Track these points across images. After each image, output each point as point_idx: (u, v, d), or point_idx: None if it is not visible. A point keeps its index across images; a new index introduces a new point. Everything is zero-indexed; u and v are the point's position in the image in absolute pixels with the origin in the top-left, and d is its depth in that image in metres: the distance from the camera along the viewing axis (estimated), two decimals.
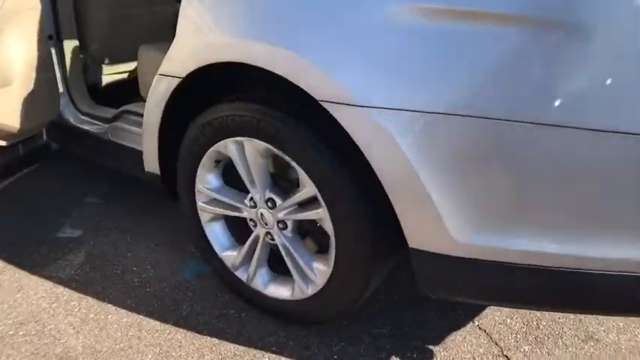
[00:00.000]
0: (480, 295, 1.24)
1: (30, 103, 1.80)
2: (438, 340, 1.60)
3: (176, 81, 1.43)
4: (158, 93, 1.51)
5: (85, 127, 2.11)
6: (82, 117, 2.13)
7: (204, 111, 1.45)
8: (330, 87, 1.13)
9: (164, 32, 2.56)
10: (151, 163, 1.68)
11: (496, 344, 1.59)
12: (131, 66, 2.46)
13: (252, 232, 1.57)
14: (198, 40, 1.40)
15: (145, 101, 2.11)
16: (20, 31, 1.74)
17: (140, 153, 1.76)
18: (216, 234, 1.64)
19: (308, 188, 1.31)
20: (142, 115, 1.84)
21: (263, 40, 1.22)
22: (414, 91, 1.06)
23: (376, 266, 1.34)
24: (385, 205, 1.21)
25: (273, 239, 1.51)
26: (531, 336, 1.62)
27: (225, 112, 1.36)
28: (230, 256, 1.62)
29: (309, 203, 1.36)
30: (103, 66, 2.37)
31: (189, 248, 1.96)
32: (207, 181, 1.55)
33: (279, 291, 1.55)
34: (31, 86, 1.80)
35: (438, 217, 1.10)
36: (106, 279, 1.80)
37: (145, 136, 1.65)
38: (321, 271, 1.40)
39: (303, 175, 1.30)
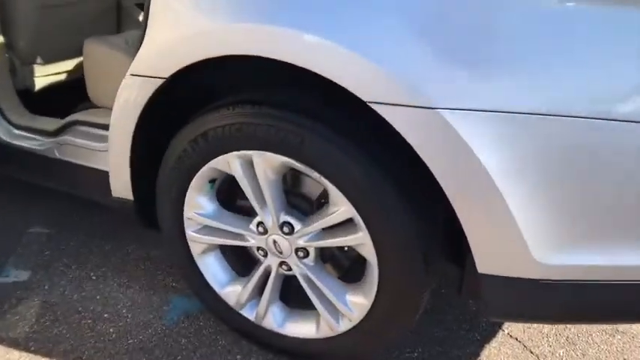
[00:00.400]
0: (552, 317, 1.06)
1: None
2: (474, 356, 1.43)
3: (156, 83, 1.11)
4: (130, 98, 1.18)
5: (22, 143, 1.70)
6: (17, 131, 1.72)
7: (193, 120, 1.15)
8: (387, 85, 0.88)
9: (104, 23, 2.19)
10: (121, 187, 1.34)
11: (531, 352, 1.45)
12: (69, 65, 2.05)
13: (258, 261, 1.30)
14: (190, 29, 1.07)
15: (96, 107, 1.78)
16: None
17: (103, 174, 1.42)
18: (212, 268, 1.33)
19: (343, 209, 1.05)
20: (98, 126, 1.51)
21: (292, 25, 0.92)
22: (505, 89, 0.84)
23: (428, 290, 1.12)
24: (443, 225, 1.00)
25: (289, 269, 1.24)
26: (562, 338, 1.51)
27: (227, 121, 1.06)
28: (232, 292, 1.32)
29: (340, 226, 1.11)
30: (35, 67, 1.95)
31: (169, 282, 1.65)
32: (199, 205, 1.24)
33: (300, 329, 1.28)
34: None
35: (519, 236, 0.90)
36: (73, 333, 1.44)
37: (112, 152, 1.31)
38: (357, 304, 1.16)
39: (335, 194, 1.04)
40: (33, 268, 1.71)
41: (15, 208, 2.04)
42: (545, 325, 1.55)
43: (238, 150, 1.09)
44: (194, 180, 1.20)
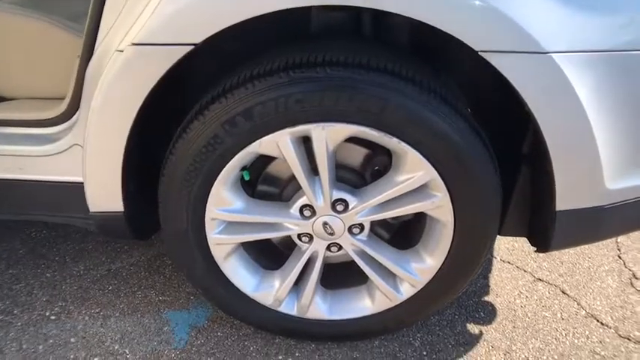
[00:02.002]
0: (611, 233, 1.15)
1: None
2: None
3: (178, 53, 0.85)
4: (129, 79, 0.88)
5: None
6: None
7: (224, 96, 0.91)
8: (502, 33, 0.81)
9: None
10: (106, 198, 1.03)
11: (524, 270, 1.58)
12: None
13: (291, 250, 1.15)
14: None
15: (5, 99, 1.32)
16: None
17: (52, 186, 1.08)
18: (240, 271, 1.14)
19: (420, 174, 0.96)
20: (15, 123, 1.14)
21: None
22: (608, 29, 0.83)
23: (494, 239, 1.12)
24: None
25: (340, 249, 1.12)
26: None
27: (283, 92, 0.87)
28: (268, 291, 1.16)
29: (407, 194, 1.02)
30: None
31: (153, 296, 1.38)
32: (226, 200, 1.02)
33: (353, 309, 1.19)
34: None
35: (600, 170, 0.94)
36: None
37: (91, 157, 0.99)
38: (423, 269, 1.11)
39: (413, 159, 0.94)
40: None
41: None
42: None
43: (294, 125, 0.91)
44: (224, 171, 0.97)
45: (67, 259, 1.50)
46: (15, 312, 1.31)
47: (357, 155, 1.08)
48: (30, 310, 1.31)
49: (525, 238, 1.15)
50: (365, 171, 1.09)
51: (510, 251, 1.67)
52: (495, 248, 1.71)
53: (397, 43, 1.06)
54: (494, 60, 0.81)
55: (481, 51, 0.81)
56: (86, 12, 0.99)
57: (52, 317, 1.29)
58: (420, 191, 1.01)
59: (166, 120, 1.05)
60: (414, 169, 0.97)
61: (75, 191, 1.10)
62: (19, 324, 1.27)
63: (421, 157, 0.93)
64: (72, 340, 1.23)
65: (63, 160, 1.10)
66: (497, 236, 1.12)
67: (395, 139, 0.92)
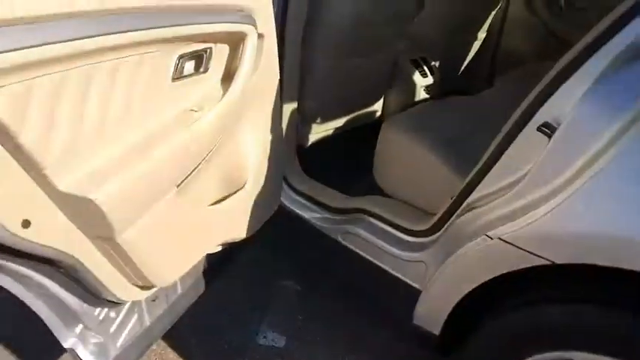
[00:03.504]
0: None
1: (259, 201, 1.41)
2: None
3: (538, 261, 1.02)
4: (484, 263, 1.15)
5: (300, 211, 1.69)
6: (295, 196, 1.72)
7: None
8: None
9: (378, 77, 2.13)
10: (429, 321, 1.33)
11: None
12: (342, 121, 2.04)
13: None
14: None
15: (380, 189, 1.70)
16: (258, 114, 1.33)
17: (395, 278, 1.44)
18: None
19: None
20: (392, 225, 1.49)
21: None
22: None
23: None
24: None
25: None
26: None
27: None
28: None
29: None
30: (313, 124, 1.93)
31: None
32: None
33: None
34: (261, 181, 1.40)
35: None
36: None
37: (435, 290, 1.27)
38: None
39: None
40: (287, 333, 1.73)
41: (263, 257, 2.00)
42: None
43: None
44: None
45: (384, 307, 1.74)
46: (320, 343, 1.69)
47: None
48: (332, 347, 1.67)
49: None
50: None
51: None
52: None
53: None
54: None
55: None
56: None
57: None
58: None
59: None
60: None
61: (409, 290, 1.40)
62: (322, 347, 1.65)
63: None
64: None
65: (409, 266, 1.41)
66: None
67: None
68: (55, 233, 0.85)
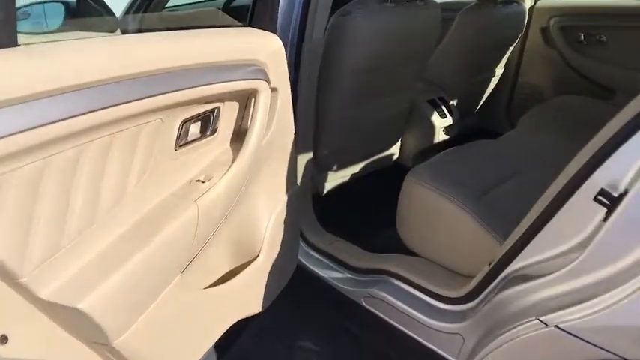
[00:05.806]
0: None
1: (274, 269, 1.26)
2: None
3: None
4: (536, 352, 0.97)
5: (320, 271, 1.53)
6: (314, 254, 1.56)
7: None
8: None
9: (397, 121, 2.00)
10: None
11: None
12: (357, 168, 1.92)
13: None
14: None
15: (405, 247, 1.48)
16: (273, 174, 1.19)
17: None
18: None
19: None
20: (419, 288, 1.33)
21: None
22: None
23: None
24: None
25: None
26: None
27: None
28: None
29: None
30: (329, 173, 1.82)
31: None
32: None
33: None
34: (277, 247, 1.25)
35: None
36: None
37: None
38: None
39: None
40: None
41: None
42: None
43: None
44: None
45: None
46: None
47: None
48: None
49: None
50: None
51: None
52: None
53: None
54: None
55: None
56: None
57: None
58: None
59: None
60: None
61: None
62: None
63: None
64: None
65: (444, 338, 1.26)
66: None
67: None
68: (39, 347, 0.70)
